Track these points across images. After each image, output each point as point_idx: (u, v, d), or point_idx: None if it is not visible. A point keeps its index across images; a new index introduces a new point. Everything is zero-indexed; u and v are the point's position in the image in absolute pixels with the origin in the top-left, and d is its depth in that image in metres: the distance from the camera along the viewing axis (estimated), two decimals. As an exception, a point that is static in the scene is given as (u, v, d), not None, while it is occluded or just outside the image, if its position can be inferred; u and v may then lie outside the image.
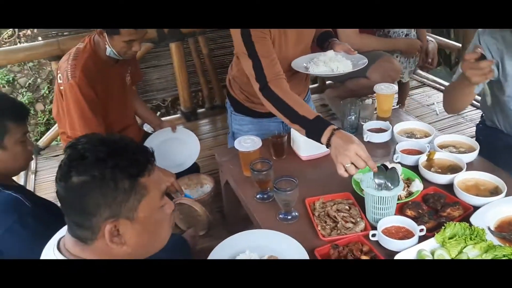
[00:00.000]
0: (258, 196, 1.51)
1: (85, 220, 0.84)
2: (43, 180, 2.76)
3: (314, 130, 1.46)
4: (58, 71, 1.86)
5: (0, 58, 2.56)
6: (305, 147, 1.68)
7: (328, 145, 1.41)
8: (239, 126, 2.03)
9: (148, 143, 2.13)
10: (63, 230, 0.98)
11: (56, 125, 3.01)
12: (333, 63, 1.77)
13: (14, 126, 1.32)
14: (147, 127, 2.71)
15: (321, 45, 1.95)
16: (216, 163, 1.92)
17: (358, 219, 1.33)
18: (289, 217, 1.39)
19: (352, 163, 1.32)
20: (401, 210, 1.36)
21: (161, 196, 0.93)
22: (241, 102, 1.97)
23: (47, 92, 5.46)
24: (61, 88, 1.83)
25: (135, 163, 0.86)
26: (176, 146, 2.18)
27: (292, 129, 1.74)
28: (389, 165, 1.37)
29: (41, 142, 3.04)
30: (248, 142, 1.61)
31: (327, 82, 3.48)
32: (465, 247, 1.14)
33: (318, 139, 1.44)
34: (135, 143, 0.90)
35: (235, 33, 1.65)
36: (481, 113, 2.02)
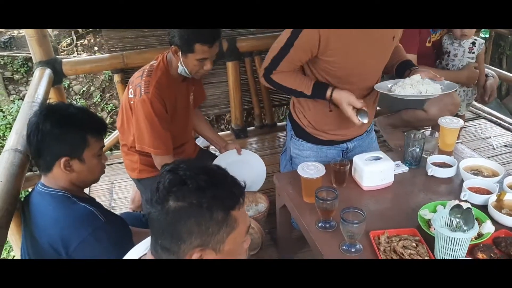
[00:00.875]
0: (320, 225, 1.50)
1: (174, 245, 0.85)
2: (95, 189, 2.84)
3: (315, 95, 1.77)
4: (130, 86, 1.94)
5: (67, 68, 2.67)
6: (367, 177, 1.66)
7: (330, 99, 1.74)
8: (298, 151, 2.03)
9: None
10: (142, 247, 1.00)
11: (113, 134, 3.12)
12: (422, 86, 1.75)
13: (93, 140, 1.37)
14: (200, 142, 2.77)
15: (401, 73, 1.93)
16: (269, 182, 1.93)
17: (426, 258, 1.29)
18: (353, 250, 1.37)
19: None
20: (471, 252, 1.31)
21: (246, 231, 0.94)
22: (303, 127, 1.98)
23: (99, 100, 5.67)
24: (131, 102, 1.90)
25: (231, 195, 0.87)
26: (242, 168, 2.20)
27: (355, 158, 1.72)
28: (462, 204, 1.33)
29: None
30: (312, 169, 1.60)
31: (378, 108, 3.44)
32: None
33: (323, 95, 1.75)
34: (230, 175, 0.92)
35: (286, 32, 1.70)
36: None
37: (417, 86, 1.75)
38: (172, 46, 1.85)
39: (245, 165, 2.21)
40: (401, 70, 1.92)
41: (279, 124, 3.48)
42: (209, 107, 3.25)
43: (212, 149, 2.95)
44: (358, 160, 1.70)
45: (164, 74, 1.92)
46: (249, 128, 3.40)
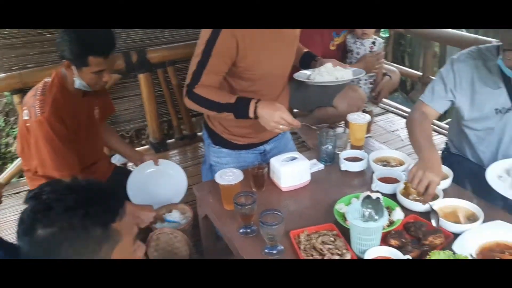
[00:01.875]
0: (241, 231, 1.48)
1: None
2: (3, 220, 2.59)
3: (239, 110, 1.65)
4: (24, 107, 1.78)
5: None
6: (285, 178, 1.68)
7: (256, 117, 1.62)
8: (217, 158, 2.01)
9: (132, 179, 2.06)
10: None
11: (17, 161, 2.88)
12: (337, 72, 1.84)
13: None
14: (116, 159, 2.64)
15: (306, 64, 2.01)
16: (192, 194, 1.88)
17: (344, 251, 1.32)
18: (275, 252, 1.37)
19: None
20: (384, 240, 1.37)
21: (133, 240, 0.90)
22: (219, 134, 1.96)
23: (3, 124, 5.22)
24: (28, 124, 1.75)
25: (108, 209, 0.82)
26: (161, 179, 2.12)
27: (271, 160, 1.74)
28: (372, 195, 1.39)
29: (1, 179, 2.87)
30: (229, 175, 1.59)
31: (295, 110, 3.53)
32: (452, 275, 1.16)
33: (246, 117, 1.64)
34: (104, 187, 0.87)
35: (202, 39, 1.66)
36: (446, 140, 2.10)
37: (333, 72, 1.84)
38: (64, 60, 1.74)
39: (164, 175, 2.14)
40: (306, 61, 2.01)
41: (199, 134, 3.44)
42: (125, 122, 3.13)
43: (131, 165, 2.84)
44: (275, 162, 1.72)
45: (60, 90, 1.79)
46: (169, 141, 3.32)
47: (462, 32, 2.97)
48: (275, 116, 1.59)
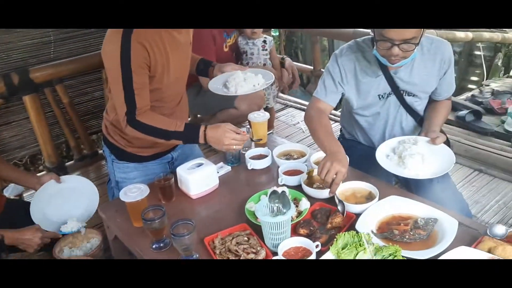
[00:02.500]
0: (154, 246, 1.44)
1: None
2: None
3: (189, 137, 1.68)
4: None
5: None
6: (193, 185, 1.67)
7: (206, 143, 1.67)
8: (123, 174, 1.94)
9: (34, 206, 1.86)
10: None
11: None
12: (252, 79, 1.86)
13: None
14: (9, 191, 2.41)
15: (204, 71, 2.03)
16: (97, 217, 1.79)
17: (258, 248, 1.35)
18: (191, 261, 1.35)
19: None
20: (294, 230, 1.43)
21: None
22: (122, 148, 1.89)
23: None
24: None
25: None
26: (71, 196, 1.93)
27: (178, 169, 1.72)
28: (278, 189, 1.44)
29: None
30: (134, 191, 1.53)
31: (198, 116, 3.52)
32: (357, 253, 1.24)
33: (196, 143, 1.69)
34: None
35: (113, 61, 1.60)
36: (340, 127, 2.25)
37: (249, 81, 1.87)
38: None
39: (73, 192, 1.96)
40: (202, 67, 2.03)
41: (101, 152, 3.27)
42: (16, 149, 2.87)
43: (27, 195, 2.61)
44: (181, 171, 1.70)
45: None
46: (68, 163, 3.11)
47: (343, 26, 3.19)
48: (226, 139, 1.65)
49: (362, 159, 1.91)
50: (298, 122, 3.59)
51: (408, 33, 1.54)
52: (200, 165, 1.72)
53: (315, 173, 1.70)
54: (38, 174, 2.68)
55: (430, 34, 1.80)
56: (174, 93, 1.86)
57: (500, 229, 1.33)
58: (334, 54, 1.86)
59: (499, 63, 5.53)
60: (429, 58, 1.77)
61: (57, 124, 2.95)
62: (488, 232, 1.35)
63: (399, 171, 1.63)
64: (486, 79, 5.39)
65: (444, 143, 1.75)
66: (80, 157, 3.11)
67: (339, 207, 1.48)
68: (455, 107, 3.41)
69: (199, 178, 1.67)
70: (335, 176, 1.50)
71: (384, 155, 1.72)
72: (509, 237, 1.32)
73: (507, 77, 5.21)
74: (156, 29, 1.65)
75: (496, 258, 1.21)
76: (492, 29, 5.65)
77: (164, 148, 1.97)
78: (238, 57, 2.97)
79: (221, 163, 1.89)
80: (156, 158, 1.98)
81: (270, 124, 3.31)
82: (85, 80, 3.00)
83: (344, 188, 1.60)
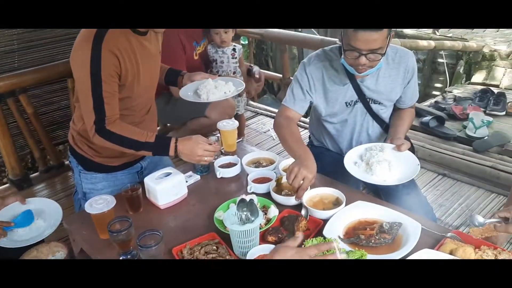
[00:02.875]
0: (121, 258, 1.42)
1: None
2: None
3: (159, 149, 1.68)
4: None
5: None
6: (161, 195, 1.65)
7: (177, 155, 1.67)
8: (91, 185, 1.90)
9: None
10: None
11: None
12: (223, 87, 1.87)
13: None
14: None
15: (172, 81, 2.03)
16: (63, 229, 1.74)
17: (227, 257, 1.35)
18: (159, 272, 1.34)
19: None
20: (263, 238, 1.44)
21: None
22: (90, 158, 1.86)
23: None
24: None
25: None
26: (36, 218, 1.88)
27: (145, 179, 1.70)
28: (246, 197, 1.44)
29: None
30: (100, 203, 1.51)
31: (168, 124, 3.50)
32: (325, 259, 1.26)
33: (166, 154, 1.69)
34: None
35: (82, 70, 1.58)
36: (309, 134, 2.28)
37: (220, 88, 1.88)
38: None
39: (39, 214, 1.91)
40: (171, 77, 2.03)
41: (67, 162, 3.19)
42: (-25, 163, 2.77)
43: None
44: (149, 181, 1.68)
45: None
46: (33, 175, 3.02)
47: (311, 35, 3.25)
48: (198, 150, 1.66)
49: (331, 166, 1.94)
50: (269, 130, 3.61)
51: (375, 43, 1.59)
52: (168, 174, 1.71)
53: (284, 180, 1.72)
54: (2, 192, 2.61)
55: (394, 43, 1.87)
56: (143, 102, 1.85)
57: (480, 218, 1.38)
58: (302, 63, 1.89)
59: (461, 71, 5.74)
60: (393, 67, 1.83)
61: (21, 135, 2.87)
62: (468, 221, 1.45)
63: (367, 177, 1.67)
64: (449, 86, 5.58)
65: (409, 149, 1.80)
66: (46, 169, 3.03)
67: (303, 211, 1.51)
68: (420, 113, 3.51)
69: (167, 188, 1.66)
70: (302, 181, 1.52)
71: (352, 162, 1.75)
72: (486, 229, 1.37)
73: (469, 83, 5.42)
74: (127, 37, 1.65)
75: (457, 259, 1.25)
76: (453, 38, 5.88)
77: (133, 157, 1.95)
78: (207, 65, 2.98)
79: (190, 172, 1.88)
80: (125, 168, 1.96)
81: (241, 132, 3.32)
82: (51, 90, 2.95)
83: (312, 195, 1.62)
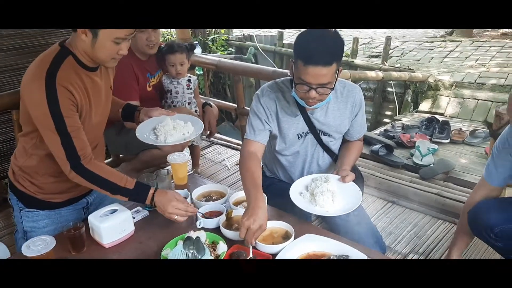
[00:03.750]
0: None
1: None
2: None
3: (137, 197, 1.69)
4: None
5: None
6: (106, 234, 1.59)
7: (152, 205, 1.69)
8: (32, 223, 1.81)
9: None
10: None
11: None
12: (182, 128, 1.87)
13: None
14: None
15: (129, 116, 2.00)
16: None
17: (173, 297, 1.31)
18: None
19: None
20: (212, 275, 1.41)
21: None
22: (32, 195, 1.78)
23: None
24: None
25: None
26: None
27: (89, 217, 1.64)
28: (193, 234, 1.42)
29: None
30: (38, 244, 1.43)
31: (121, 156, 3.42)
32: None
33: (142, 202, 1.71)
34: None
35: (40, 108, 1.54)
36: (261, 164, 2.29)
37: (179, 129, 1.86)
38: None
39: None
40: (128, 113, 2.01)
41: (11, 197, 3.04)
42: None
43: None
44: (93, 219, 1.62)
45: None
46: (-29, 212, 2.84)
47: (263, 67, 3.32)
48: (169, 207, 1.66)
49: (281, 196, 1.95)
50: (224, 160, 3.61)
51: (324, 78, 1.64)
52: (114, 211, 1.66)
53: (234, 214, 1.71)
54: None
55: (343, 75, 1.95)
56: (92, 137, 1.79)
57: None
58: (256, 95, 1.93)
59: (409, 99, 6.02)
60: (342, 101, 1.90)
61: (-42, 169, 2.71)
62: None
63: (310, 208, 1.69)
64: (398, 114, 5.83)
65: (358, 179, 1.85)
66: (-13, 205, 2.86)
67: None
68: (370, 141, 3.63)
69: (112, 225, 1.60)
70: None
71: (297, 192, 1.77)
72: None
73: (416, 112, 5.69)
74: (77, 73, 1.63)
75: None
76: (401, 69, 6.19)
77: (78, 192, 1.88)
78: (162, 96, 2.96)
79: (138, 207, 1.83)
80: (69, 204, 1.88)
81: (195, 163, 3.30)
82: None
83: None
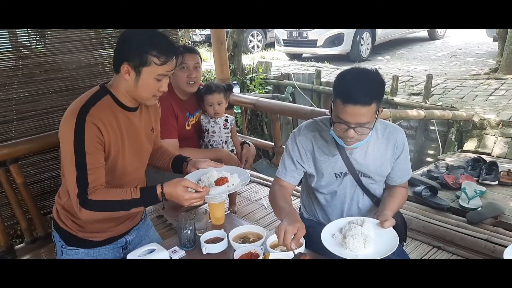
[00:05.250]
0: None
1: None
2: None
3: (148, 202, 1.70)
4: None
5: None
6: (143, 274, 1.60)
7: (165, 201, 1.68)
8: None
9: None
10: None
11: None
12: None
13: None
14: None
15: (178, 168, 2.01)
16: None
17: None
18: None
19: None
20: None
21: None
22: (73, 233, 1.83)
23: None
24: None
25: None
26: None
27: (128, 256, 1.67)
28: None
29: None
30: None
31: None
32: None
33: (156, 203, 1.71)
34: None
35: (67, 142, 1.60)
36: (300, 205, 2.26)
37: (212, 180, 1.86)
38: None
39: None
40: (177, 164, 2.01)
41: (54, 233, 3.13)
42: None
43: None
44: (132, 258, 1.63)
45: None
46: (18, 246, 2.94)
47: (300, 106, 3.34)
48: (185, 202, 1.67)
49: (319, 239, 1.91)
50: (261, 198, 3.58)
51: (363, 117, 1.63)
52: (152, 251, 1.67)
53: (271, 257, 1.67)
54: None
55: (384, 114, 1.92)
56: (131, 180, 1.84)
57: None
58: (293, 133, 1.93)
59: (453, 138, 5.83)
60: (382, 142, 1.86)
61: (7, 205, 2.83)
62: None
63: (338, 250, 1.62)
64: (442, 153, 5.64)
65: (399, 225, 1.77)
66: (32, 240, 2.95)
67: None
68: (413, 182, 3.51)
69: (150, 265, 1.61)
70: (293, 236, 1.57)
71: (330, 234, 1.72)
72: None
73: (461, 151, 5.49)
74: (113, 112, 1.69)
75: None
76: (443, 107, 6.05)
77: (117, 232, 1.91)
78: (200, 135, 3.02)
79: (176, 247, 1.83)
80: (109, 243, 1.91)
81: (232, 201, 3.29)
82: (42, 159, 2.95)
83: None
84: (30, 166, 2.93)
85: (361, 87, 1.61)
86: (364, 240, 1.63)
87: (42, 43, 2.95)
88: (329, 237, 1.70)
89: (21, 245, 2.97)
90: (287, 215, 1.67)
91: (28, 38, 2.90)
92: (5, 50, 2.81)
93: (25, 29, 2.84)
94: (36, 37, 2.92)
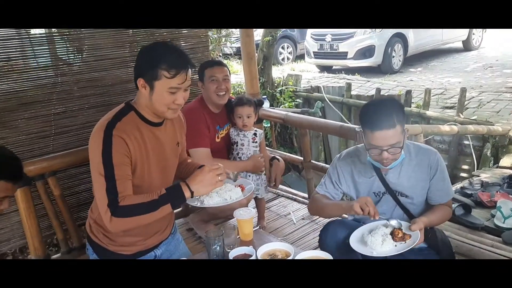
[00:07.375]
0: None
1: None
2: None
3: (174, 197, 1.72)
4: None
5: None
6: None
7: (193, 193, 1.73)
8: None
9: None
10: None
11: None
12: (225, 193, 1.91)
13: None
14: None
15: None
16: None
17: None
18: None
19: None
20: None
21: None
22: (104, 247, 1.90)
23: None
24: None
25: None
26: None
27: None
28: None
29: None
30: None
31: (190, 205, 3.52)
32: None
33: (184, 200, 1.74)
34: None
35: (95, 156, 1.67)
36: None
37: (221, 193, 1.90)
38: None
39: None
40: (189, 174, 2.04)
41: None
42: (2, 242, 2.84)
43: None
44: (162, 273, 1.67)
45: None
46: (54, 256, 3.05)
47: (329, 121, 3.34)
48: (210, 181, 1.74)
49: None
50: (290, 213, 3.58)
51: (392, 139, 1.81)
52: (181, 266, 1.70)
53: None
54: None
55: (415, 130, 2.06)
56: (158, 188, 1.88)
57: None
58: (336, 157, 2.17)
59: (488, 153, 5.65)
60: (416, 163, 2.00)
61: (45, 216, 2.94)
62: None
63: (358, 247, 1.79)
64: (476, 169, 5.47)
65: (431, 238, 1.95)
66: (68, 250, 3.06)
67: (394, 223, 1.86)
68: (445, 199, 3.42)
69: (179, 281, 1.64)
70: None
71: (360, 233, 1.89)
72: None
73: (497, 167, 5.30)
74: (138, 127, 1.75)
75: None
76: (478, 121, 5.87)
77: (146, 246, 1.97)
78: (228, 147, 3.06)
79: (205, 263, 1.86)
80: (138, 256, 1.97)
81: (261, 216, 3.30)
82: (78, 172, 3.06)
83: None
84: (67, 179, 3.04)
85: (383, 113, 1.82)
86: (383, 239, 1.76)
87: (79, 58, 3.08)
88: (359, 235, 1.87)
89: (57, 255, 3.08)
90: (348, 203, 1.88)
91: (67, 53, 3.03)
92: (45, 66, 2.94)
93: (63, 44, 2.97)
94: (74, 51, 3.04)
